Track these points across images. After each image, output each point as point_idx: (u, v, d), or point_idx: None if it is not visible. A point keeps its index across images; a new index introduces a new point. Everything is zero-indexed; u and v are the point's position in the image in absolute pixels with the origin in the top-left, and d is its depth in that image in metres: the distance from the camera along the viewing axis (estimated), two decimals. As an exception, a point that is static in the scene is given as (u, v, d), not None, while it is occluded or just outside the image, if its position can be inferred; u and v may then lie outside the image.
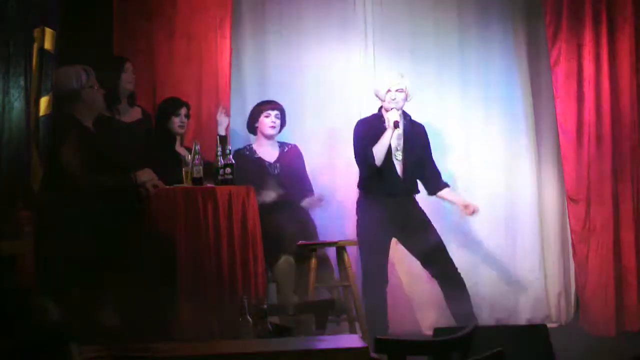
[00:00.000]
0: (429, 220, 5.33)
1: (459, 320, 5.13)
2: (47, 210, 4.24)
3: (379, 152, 5.22)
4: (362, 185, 5.39)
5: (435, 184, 5.43)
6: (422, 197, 5.46)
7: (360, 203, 5.38)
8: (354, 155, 5.38)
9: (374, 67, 5.97)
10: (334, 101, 5.96)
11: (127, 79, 5.22)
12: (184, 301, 4.58)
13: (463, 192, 5.69)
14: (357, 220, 5.37)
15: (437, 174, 5.45)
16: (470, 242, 5.76)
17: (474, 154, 5.97)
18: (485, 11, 6.08)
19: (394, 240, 5.38)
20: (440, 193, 5.43)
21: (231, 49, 5.68)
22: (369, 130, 5.31)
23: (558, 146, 5.93)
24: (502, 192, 6.04)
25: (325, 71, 5.93)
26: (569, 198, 5.86)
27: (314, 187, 5.63)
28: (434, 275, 5.30)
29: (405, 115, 5.36)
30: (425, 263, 5.29)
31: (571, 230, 5.89)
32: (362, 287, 5.26)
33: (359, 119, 5.58)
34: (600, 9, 5.80)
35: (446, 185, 5.45)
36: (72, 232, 4.27)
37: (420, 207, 5.36)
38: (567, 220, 5.95)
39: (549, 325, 4.89)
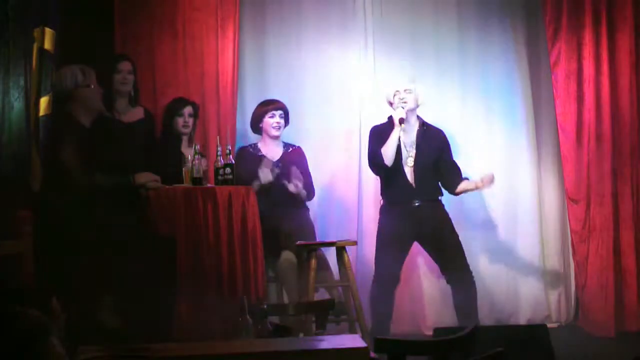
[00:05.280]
0: (450, 227, 5.30)
1: (461, 319, 5.13)
2: (47, 210, 4.25)
3: (387, 151, 5.21)
4: (381, 192, 5.41)
5: (452, 184, 5.33)
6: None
7: (381, 208, 5.40)
8: (367, 162, 5.39)
9: (373, 67, 5.97)
10: (333, 101, 5.96)
11: (120, 80, 5.14)
12: (183, 301, 4.58)
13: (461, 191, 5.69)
14: (378, 224, 5.38)
15: (455, 174, 5.34)
16: (471, 242, 5.75)
17: (474, 154, 5.95)
18: (485, 11, 6.08)
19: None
20: (459, 189, 5.33)
21: (237, 50, 5.67)
22: (380, 135, 5.31)
23: (558, 146, 5.93)
24: (502, 192, 6.04)
25: (325, 71, 5.93)
26: (569, 198, 5.86)
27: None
28: (449, 281, 5.28)
29: (419, 120, 5.34)
30: (443, 269, 5.30)
31: (571, 230, 5.90)
32: (372, 285, 5.28)
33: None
34: (600, 9, 5.81)
35: (462, 180, 5.33)
36: (72, 232, 4.28)
37: (444, 212, 5.33)
38: (567, 220, 5.95)
39: (549, 325, 4.89)
